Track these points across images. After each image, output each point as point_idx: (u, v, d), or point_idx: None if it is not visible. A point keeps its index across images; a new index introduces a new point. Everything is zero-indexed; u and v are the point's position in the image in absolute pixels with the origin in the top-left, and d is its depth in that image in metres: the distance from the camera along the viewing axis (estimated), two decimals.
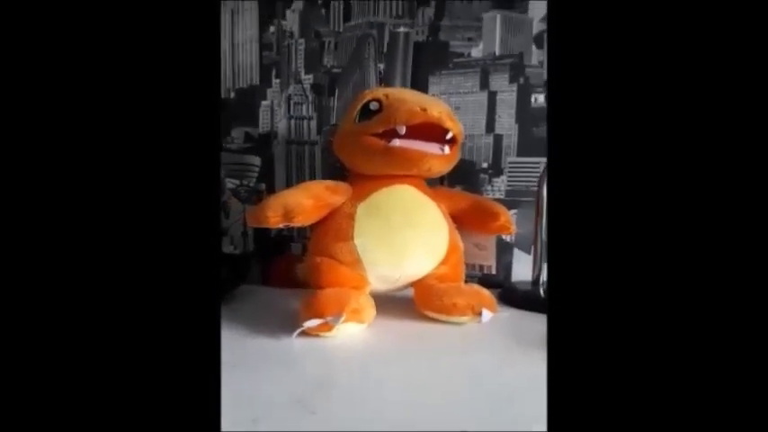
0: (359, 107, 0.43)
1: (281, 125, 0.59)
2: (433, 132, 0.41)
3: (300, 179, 0.58)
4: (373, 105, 0.42)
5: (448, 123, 0.40)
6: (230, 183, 0.60)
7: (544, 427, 0.22)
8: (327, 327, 0.36)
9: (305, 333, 0.36)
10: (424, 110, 0.39)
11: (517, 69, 0.56)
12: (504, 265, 0.57)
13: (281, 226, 0.40)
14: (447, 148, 0.42)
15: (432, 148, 0.41)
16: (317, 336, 0.37)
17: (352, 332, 0.38)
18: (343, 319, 0.35)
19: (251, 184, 0.59)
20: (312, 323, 0.36)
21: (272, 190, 0.59)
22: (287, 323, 0.38)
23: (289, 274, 0.57)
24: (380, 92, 0.44)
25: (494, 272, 0.57)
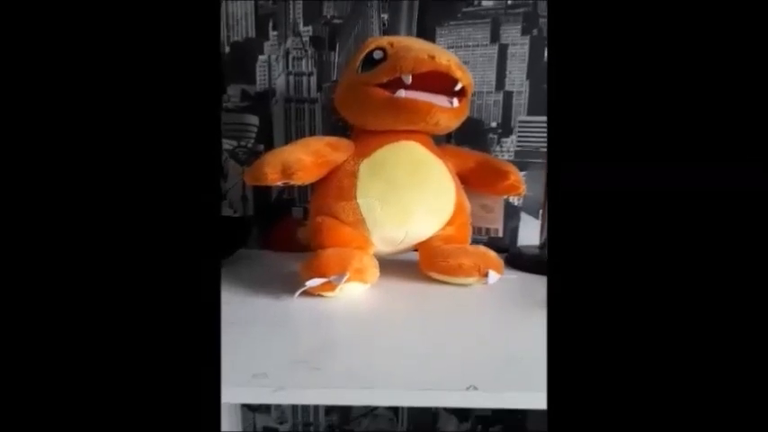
0: (361, 56, 0.40)
1: (280, 82, 0.55)
2: (441, 84, 0.38)
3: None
4: (377, 54, 0.39)
5: (457, 73, 0.37)
6: (227, 144, 0.57)
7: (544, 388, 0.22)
8: (330, 286, 0.35)
9: (307, 293, 0.35)
10: (432, 57, 0.37)
11: (531, 20, 0.52)
12: (511, 229, 0.56)
13: (279, 184, 0.38)
14: (456, 101, 0.39)
15: (440, 100, 0.39)
16: (320, 296, 0.36)
17: (356, 292, 0.37)
18: (346, 278, 0.34)
19: (249, 145, 0.57)
20: (314, 282, 0.34)
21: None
22: (288, 285, 0.37)
23: (290, 238, 0.56)
24: (385, 40, 0.40)
25: (500, 235, 0.55)
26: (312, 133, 0.56)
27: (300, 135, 0.56)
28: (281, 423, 0.65)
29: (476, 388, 0.23)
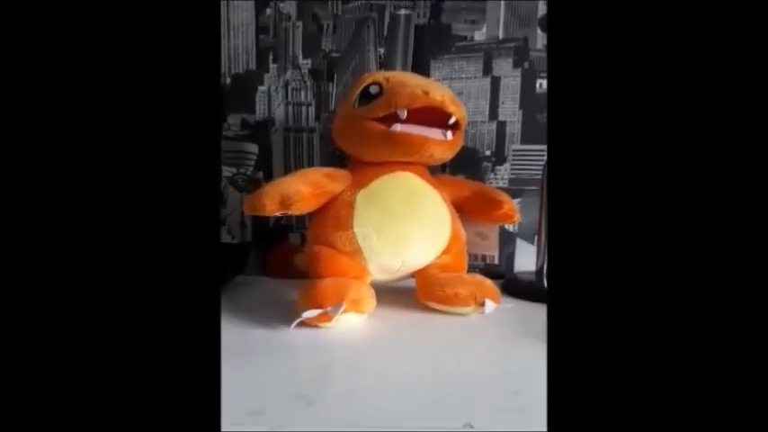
0: (358, 91, 0.42)
1: (279, 112, 0.57)
2: (436, 117, 0.39)
3: (299, 167, 0.56)
4: (373, 89, 0.41)
5: (451, 107, 0.39)
6: (227, 171, 0.58)
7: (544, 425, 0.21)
8: (326, 317, 0.35)
9: (303, 324, 0.35)
10: (426, 93, 0.38)
11: (521, 54, 0.54)
12: (507, 255, 0.56)
13: (278, 214, 0.39)
14: (450, 134, 0.41)
15: (434, 133, 0.40)
16: (316, 326, 0.36)
17: (352, 323, 0.37)
18: (342, 309, 0.34)
19: (248, 173, 0.58)
20: (311, 313, 0.34)
21: (269, 178, 0.57)
22: (285, 314, 0.37)
23: (287, 265, 0.56)
24: (381, 75, 0.42)
25: (496, 262, 0.55)
26: (310, 161, 0.57)
27: (299, 163, 0.57)
28: None
29: (472, 426, 0.23)
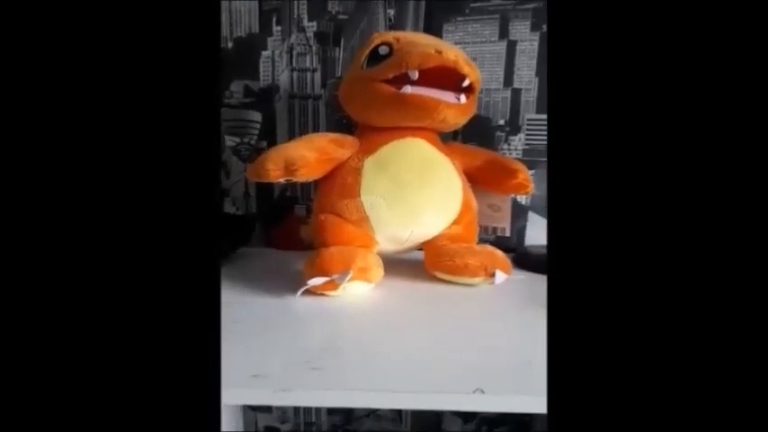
0: (367, 52, 0.39)
1: (283, 78, 0.55)
2: (448, 79, 0.37)
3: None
4: (383, 50, 0.39)
5: (465, 68, 0.36)
6: (230, 141, 0.56)
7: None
8: (333, 285, 0.34)
9: (310, 292, 0.35)
10: (440, 52, 0.36)
11: (540, 16, 0.51)
12: (519, 228, 0.55)
13: (282, 180, 0.37)
14: (463, 97, 0.39)
15: (447, 96, 0.38)
16: (323, 295, 0.35)
17: (359, 292, 0.36)
18: (349, 276, 0.33)
19: (252, 142, 0.56)
20: (317, 281, 0.34)
21: None
22: (291, 284, 0.36)
23: (293, 236, 0.55)
24: (390, 35, 0.40)
25: (508, 234, 0.54)
26: (316, 130, 0.55)
27: (304, 131, 0.55)
28: (282, 423, 0.64)
29: (482, 391, 0.22)
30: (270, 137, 0.56)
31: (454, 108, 0.39)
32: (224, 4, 0.53)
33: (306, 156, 0.37)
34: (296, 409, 0.64)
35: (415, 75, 0.36)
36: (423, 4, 0.52)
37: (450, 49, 0.37)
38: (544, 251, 0.48)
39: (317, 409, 0.64)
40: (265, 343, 0.27)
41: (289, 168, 0.36)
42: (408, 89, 0.37)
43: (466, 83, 0.37)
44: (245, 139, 0.56)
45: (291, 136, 0.55)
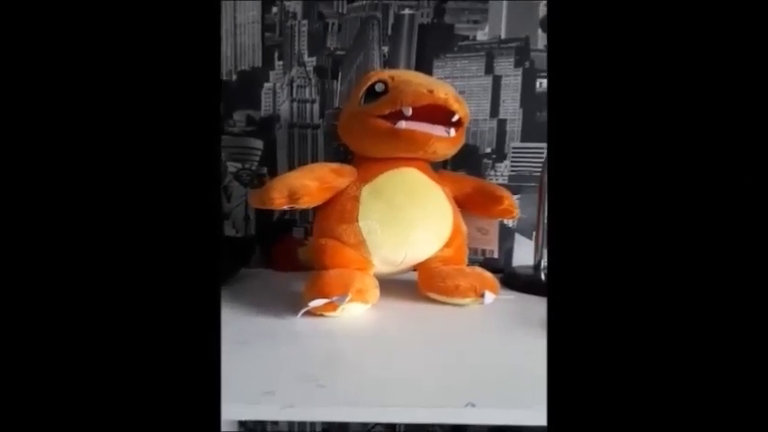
0: (364, 89, 0.43)
1: (284, 108, 0.58)
2: (439, 115, 0.41)
3: (303, 163, 0.57)
4: (379, 87, 0.42)
5: (454, 105, 0.40)
6: (232, 166, 0.59)
7: (543, 407, 0.23)
8: (332, 306, 0.36)
9: (309, 313, 0.36)
10: (431, 91, 0.39)
11: (523, 53, 0.56)
12: (506, 249, 0.58)
13: (285, 208, 0.40)
14: (453, 131, 0.42)
15: (437, 130, 0.41)
16: (322, 316, 0.37)
17: (357, 312, 0.38)
18: (348, 298, 0.36)
19: (253, 168, 0.59)
20: (317, 302, 0.36)
21: (274, 174, 0.58)
22: (291, 304, 0.38)
23: (291, 258, 0.57)
24: (386, 73, 0.43)
25: (496, 256, 0.57)
26: (314, 158, 0.58)
27: (303, 158, 0.58)
28: None
29: (473, 405, 0.24)
30: (270, 163, 0.59)
31: (444, 141, 0.42)
32: (229, 40, 0.57)
33: (308, 185, 0.40)
34: (291, 428, 0.64)
35: (409, 111, 0.40)
36: (415, 41, 0.56)
37: (440, 88, 0.41)
38: (531, 271, 0.51)
39: (312, 428, 0.64)
40: (270, 361, 0.29)
41: (292, 197, 0.39)
42: (402, 124, 0.40)
43: (455, 118, 0.41)
44: (247, 165, 0.59)
45: (291, 162, 0.58)
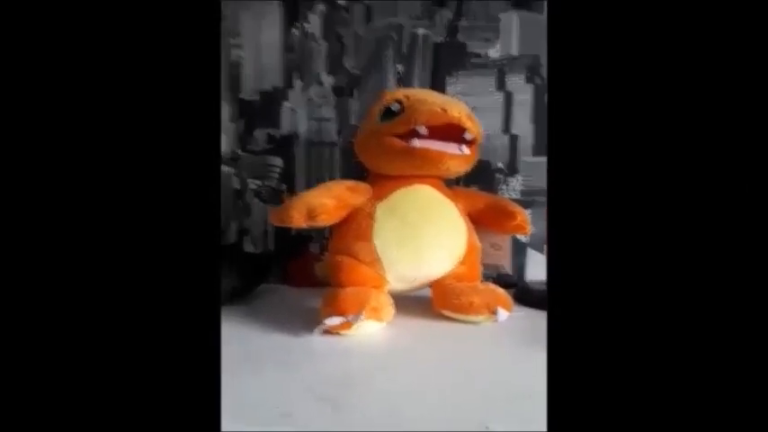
0: (380, 108, 0.44)
1: (303, 126, 0.60)
2: (453, 133, 0.41)
3: (320, 180, 0.59)
4: (395, 106, 0.43)
5: (468, 124, 0.41)
6: (252, 183, 0.61)
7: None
8: (348, 325, 0.37)
9: (325, 331, 0.37)
10: (445, 110, 0.40)
11: (533, 70, 0.56)
12: (519, 264, 0.58)
13: (304, 225, 0.41)
14: (466, 149, 0.43)
15: (451, 148, 0.42)
16: (337, 334, 0.37)
17: (372, 330, 0.39)
18: (363, 317, 0.36)
19: (273, 185, 0.61)
20: (333, 321, 0.36)
21: (292, 190, 0.60)
22: (307, 321, 0.39)
23: (307, 273, 0.58)
24: (401, 93, 0.44)
25: (509, 271, 0.57)
26: (331, 174, 0.60)
27: (320, 176, 0.60)
28: None
29: (487, 427, 0.24)
30: (289, 180, 0.60)
31: (458, 159, 0.43)
32: (251, 62, 0.60)
33: (326, 203, 0.41)
34: None
35: (424, 130, 0.40)
36: (428, 59, 0.58)
37: (454, 107, 0.41)
38: (543, 287, 0.51)
39: None
40: (285, 381, 0.29)
41: (311, 215, 0.40)
42: (417, 143, 0.41)
43: (468, 136, 0.42)
44: (267, 182, 0.61)
45: (309, 179, 0.60)
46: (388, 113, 0.43)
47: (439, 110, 0.40)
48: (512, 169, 0.58)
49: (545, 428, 0.23)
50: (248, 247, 0.62)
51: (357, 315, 0.36)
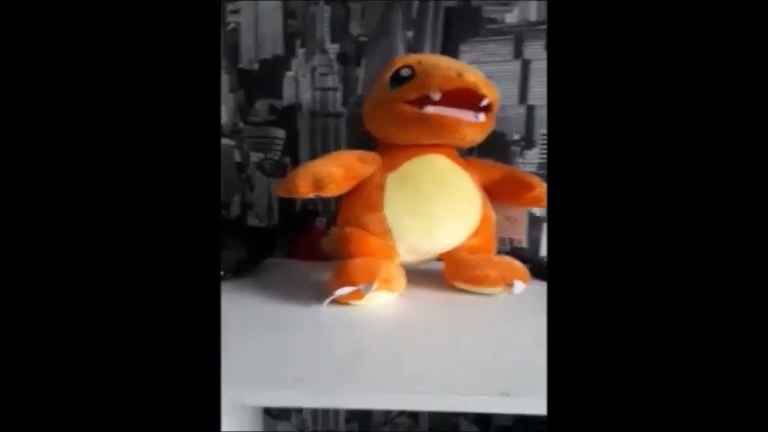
0: (390, 74, 0.42)
1: (306, 97, 0.57)
2: (468, 99, 0.39)
3: (325, 152, 0.56)
4: (405, 72, 0.41)
5: (484, 89, 0.38)
6: (254, 156, 0.59)
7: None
8: (359, 294, 0.35)
9: (335, 302, 0.36)
10: (460, 75, 0.38)
11: None
12: (534, 239, 0.56)
13: (311, 196, 0.39)
14: (482, 116, 0.40)
15: (466, 115, 0.40)
16: (348, 304, 0.36)
17: (384, 301, 0.38)
18: (374, 287, 0.35)
19: (275, 158, 0.59)
20: (344, 291, 0.35)
21: (296, 163, 0.58)
22: (316, 293, 0.38)
23: (314, 248, 0.57)
24: (412, 58, 0.42)
25: (524, 245, 0.55)
26: (337, 146, 0.57)
27: (325, 148, 0.58)
28: (301, 430, 0.65)
29: (508, 394, 0.23)
30: (293, 153, 0.58)
31: (473, 126, 0.41)
32: (251, 29, 0.57)
33: (333, 172, 0.39)
34: (315, 417, 0.65)
35: (437, 96, 0.38)
36: (440, 25, 0.55)
37: (469, 71, 0.39)
38: None
39: (336, 417, 0.65)
40: (299, 349, 0.29)
41: (318, 185, 0.38)
42: (430, 109, 0.39)
43: (485, 103, 0.39)
44: (269, 155, 0.59)
45: (313, 152, 0.58)
46: (399, 79, 0.41)
47: (454, 74, 0.38)
48: (529, 141, 0.55)
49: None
50: (253, 221, 0.60)
51: (369, 285, 0.35)
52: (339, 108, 0.57)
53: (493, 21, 0.54)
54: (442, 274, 0.43)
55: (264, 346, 0.29)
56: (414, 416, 0.63)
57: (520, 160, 0.55)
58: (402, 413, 0.63)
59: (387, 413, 0.63)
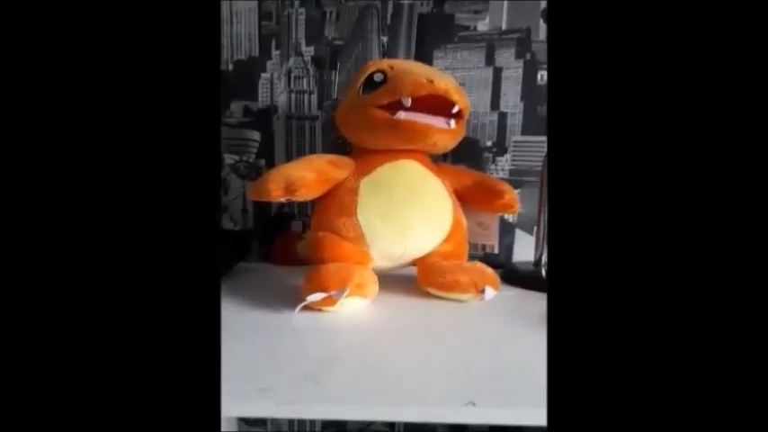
0: (362, 78, 0.42)
1: (281, 99, 0.57)
2: (439, 106, 0.40)
3: (300, 155, 0.56)
4: (377, 77, 0.41)
5: (455, 96, 0.39)
6: (229, 158, 0.58)
7: (544, 406, 0.22)
8: (331, 301, 0.35)
9: (307, 308, 0.36)
10: (431, 81, 0.38)
11: (524, 45, 0.55)
12: (506, 245, 0.57)
13: (282, 200, 0.39)
14: (453, 122, 0.41)
15: (437, 121, 0.40)
16: (320, 310, 0.36)
17: (356, 307, 0.37)
18: (346, 293, 0.35)
19: (250, 160, 0.58)
20: (315, 297, 0.35)
21: (271, 166, 0.57)
22: (289, 299, 0.38)
23: (289, 252, 0.56)
24: (385, 63, 0.42)
25: (496, 251, 0.56)
26: (312, 149, 0.57)
27: (301, 151, 0.57)
28: None
29: (474, 404, 0.24)
30: (268, 155, 0.58)
31: (444, 133, 0.41)
32: (225, 29, 0.56)
33: (305, 176, 0.39)
34: (290, 423, 0.64)
35: (408, 102, 0.39)
36: (414, 31, 0.55)
37: (441, 78, 0.40)
38: (531, 267, 0.50)
39: (312, 423, 0.64)
40: (267, 357, 0.29)
41: (289, 189, 0.38)
42: (402, 115, 0.39)
43: (455, 109, 0.40)
44: (244, 157, 0.58)
45: (289, 154, 0.57)
46: (371, 84, 0.41)
47: (424, 80, 0.38)
48: (501, 148, 0.56)
49: (530, 407, 0.23)
50: (227, 224, 0.59)
51: (341, 291, 0.35)
52: (314, 111, 0.57)
53: (465, 28, 0.55)
54: (415, 279, 0.44)
55: (233, 353, 0.29)
56: (390, 423, 0.63)
57: (492, 166, 0.56)
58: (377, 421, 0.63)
59: (362, 420, 0.63)
